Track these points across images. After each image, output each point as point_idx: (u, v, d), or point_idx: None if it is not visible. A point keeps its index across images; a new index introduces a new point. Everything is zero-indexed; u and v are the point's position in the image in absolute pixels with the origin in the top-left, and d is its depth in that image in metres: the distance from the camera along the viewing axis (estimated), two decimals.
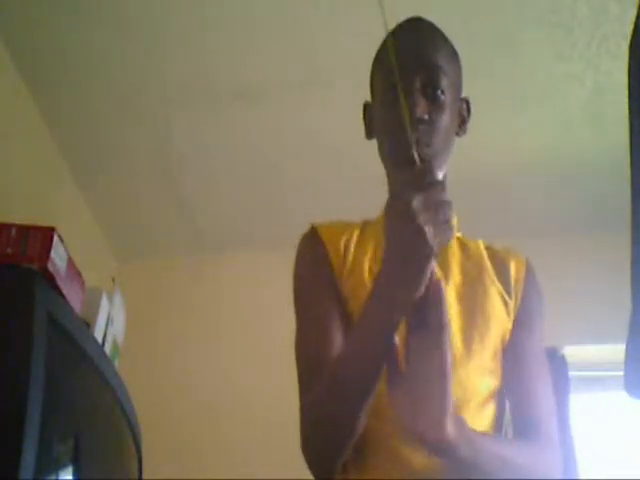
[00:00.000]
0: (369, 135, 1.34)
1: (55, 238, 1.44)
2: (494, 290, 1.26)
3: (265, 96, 2.44)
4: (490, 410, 1.19)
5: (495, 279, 1.27)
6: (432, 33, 1.30)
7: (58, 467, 1.40)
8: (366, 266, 1.22)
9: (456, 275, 1.25)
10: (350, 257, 1.24)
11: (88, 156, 2.70)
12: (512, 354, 1.24)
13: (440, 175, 1.23)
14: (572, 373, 2.80)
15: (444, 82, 1.23)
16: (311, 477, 1.17)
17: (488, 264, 1.30)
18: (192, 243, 3.18)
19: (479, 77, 2.34)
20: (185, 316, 3.10)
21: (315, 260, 1.26)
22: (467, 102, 1.33)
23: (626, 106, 0.90)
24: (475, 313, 1.22)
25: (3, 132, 2.20)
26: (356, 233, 1.28)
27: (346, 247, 1.25)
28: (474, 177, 2.72)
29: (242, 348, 3.01)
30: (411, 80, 1.21)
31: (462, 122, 1.32)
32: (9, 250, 1.40)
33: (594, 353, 2.89)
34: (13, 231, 1.42)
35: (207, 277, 3.18)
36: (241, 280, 3.17)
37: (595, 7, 2.10)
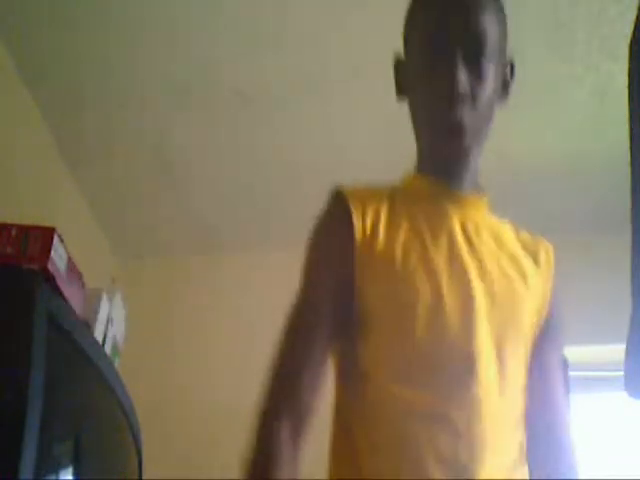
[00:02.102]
0: (400, 94, 1.23)
1: (55, 238, 1.44)
2: (527, 289, 1.16)
3: (265, 96, 2.44)
4: (520, 436, 1.11)
5: (528, 274, 1.18)
6: None
7: (58, 467, 1.40)
8: (398, 253, 1.10)
9: (489, 268, 1.14)
10: (379, 241, 1.11)
11: (88, 156, 2.70)
12: (538, 366, 1.16)
13: (477, 150, 1.17)
14: (572, 373, 2.79)
15: (489, 50, 1.14)
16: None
17: (521, 255, 1.21)
18: (192, 243, 3.18)
19: None
20: (185, 316, 3.10)
21: (335, 241, 1.14)
22: (512, 65, 1.25)
23: (626, 107, 0.90)
24: (509, 319, 1.12)
25: (3, 132, 2.20)
26: (385, 207, 1.15)
27: (374, 228, 1.12)
28: None
29: (242, 348, 3.01)
30: (454, 49, 1.11)
31: (505, 86, 1.24)
32: (9, 250, 1.39)
33: (594, 353, 2.89)
34: (13, 231, 1.42)
35: (207, 277, 3.18)
36: (241, 280, 3.17)
37: (595, 8, 2.10)
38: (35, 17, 2.17)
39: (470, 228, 1.17)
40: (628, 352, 0.89)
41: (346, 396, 1.13)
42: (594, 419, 2.85)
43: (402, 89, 1.23)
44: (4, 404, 1.19)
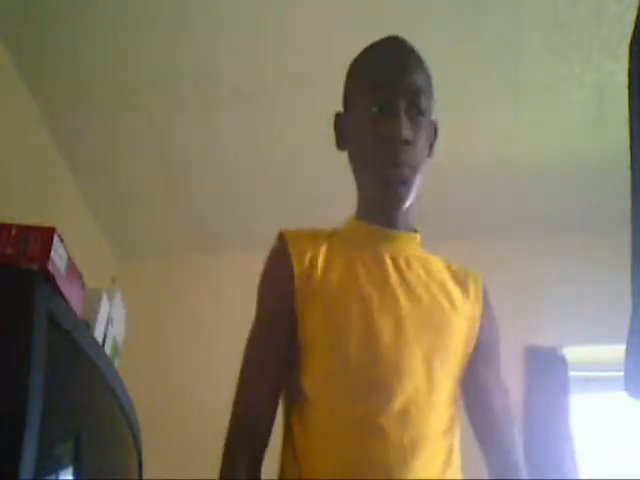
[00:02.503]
0: (341, 145, 1.37)
1: (55, 238, 1.43)
2: (455, 313, 1.28)
3: (265, 96, 2.44)
4: (449, 440, 1.22)
5: (456, 299, 1.29)
6: (413, 55, 1.32)
7: (58, 467, 1.40)
8: (333, 284, 1.24)
9: (418, 293, 1.26)
10: (316, 274, 1.25)
11: (88, 156, 2.70)
12: (474, 387, 1.29)
13: (411, 198, 1.28)
14: (572, 373, 2.80)
15: (425, 104, 1.27)
16: None
17: (450, 284, 1.31)
18: (192, 243, 3.18)
19: (479, 77, 2.34)
20: (185, 316, 3.10)
21: (277, 275, 1.29)
22: (435, 125, 1.36)
23: (626, 106, 0.90)
24: (437, 337, 1.24)
25: (3, 132, 2.20)
26: (323, 247, 1.29)
27: (312, 263, 1.26)
28: (473, 178, 2.73)
29: (242, 348, 3.01)
30: (396, 100, 1.25)
31: (431, 144, 1.34)
32: (9, 250, 1.39)
33: (594, 353, 2.89)
34: (13, 231, 1.41)
35: (207, 277, 3.18)
36: (241, 280, 3.16)
37: (595, 8, 2.10)
38: (35, 17, 2.17)
39: (401, 261, 1.29)
40: (628, 352, 0.89)
41: (289, 413, 1.26)
42: (594, 419, 2.85)
43: (342, 141, 1.36)
44: (4, 404, 1.19)
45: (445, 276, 1.32)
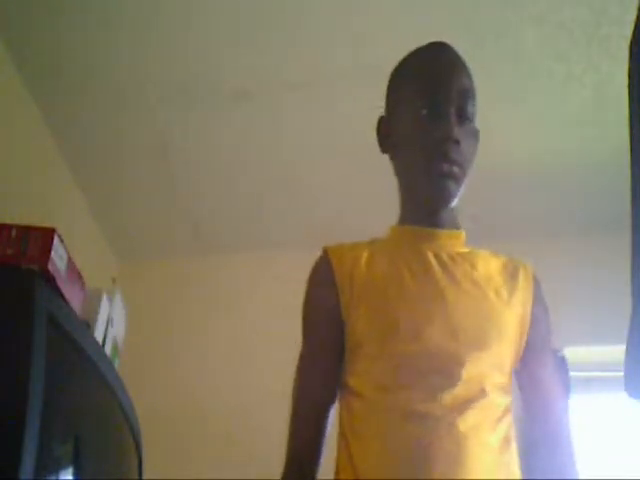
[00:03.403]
0: (385, 148, 1.40)
1: (55, 238, 1.44)
2: (505, 304, 1.28)
3: (265, 96, 2.44)
4: (503, 429, 1.22)
5: (505, 291, 1.30)
6: (460, 60, 1.37)
7: (58, 468, 1.40)
8: (378, 285, 1.26)
9: (465, 287, 1.27)
10: (359, 277, 1.27)
11: (88, 156, 2.70)
12: (527, 378, 1.31)
13: (457, 197, 1.32)
14: (572, 374, 2.80)
15: (471, 109, 1.33)
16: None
17: (499, 276, 1.32)
18: (192, 244, 3.18)
19: (479, 77, 2.33)
20: (185, 316, 3.10)
21: (321, 286, 1.31)
22: (477, 133, 1.38)
23: (626, 107, 0.90)
24: (488, 329, 1.24)
25: (3, 132, 2.20)
26: (365, 253, 1.31)
27: (353, 268, 1.28)
28: (472, 178, 2.72)
29: (242, 348, 3.01)
30: (448, 103, 1.29)
31: (473, 153, 1.37)
32: (9, 251, 1.39)
33: (594, 354, 2.89)
34: (13, 231, 1.42)
35: (207, 277, 3.18)
36: (241, 281, 3.17)
37: (595, 8, 2.10)
38: (35, 17, 2.17)
39: (445, 257, 1.30)
40: (628, 352, 0.89)
41: (343, 414, 1.27)
42: (594, 420, 2.85)
43: (386, 145, 1.40)
44: (4, 404, 1.19)
45: (493, 268, 1.33)
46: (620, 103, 1.05)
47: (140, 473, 1.99)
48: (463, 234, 1.36)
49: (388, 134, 1.39)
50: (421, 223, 1.33)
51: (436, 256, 1.30)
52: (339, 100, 2.41)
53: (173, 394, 2.92)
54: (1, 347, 1.23)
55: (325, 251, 1.34)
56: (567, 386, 2.75)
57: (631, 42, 0.90)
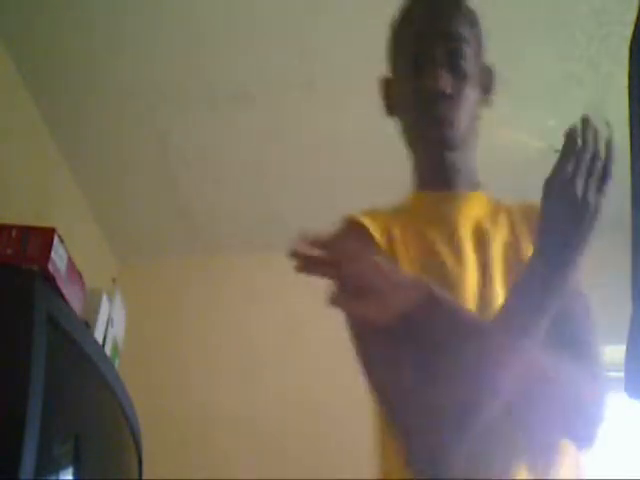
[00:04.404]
0: (389, 112, 1.28)
1: (55, 239, 1.44)
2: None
3: (265, 96, 2.44)
4: None
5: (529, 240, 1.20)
6: (453, 2, 1.24)
7: (58, 467, 1.40)
8: (411, 257, 1.16)
9: (492, 245, 1.19)
10: (394, 247, 1.17)
11: (88, 156, 2.70)
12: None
13: (465, 155, 1.21)
14: None
15: (467, 51, 1.18)
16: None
17: (519, 225, 1.25)
18: (192, 244, 3.18)
19: None
20: (185, 316, 3.10)
21: (358, 240, 1.18)
22: (491, 71, 1.28)
23: (626, 107, 0.90)
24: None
25: (3, 132, 2.20)
26: (391, 221, 1.21)
27: (387, 236, 1.18)
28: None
29: (242, 348, 3.01)
30: (432, 50, 1.17)
31: (485, 92, 1.26)
32: (9, 251, 1.40)
33: None
34: (13, 232, 1.42)
35: (207, 278, 3.18)
36: (240, 281, 3.17)
37: (595, 8, 2.10)
38: (35, 17, 2.17)
39: (468, 220, 1.21)
40: (628, 352, 0.89)
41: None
42: None
43: (389, 107, 1.28)
44: (4, 404, 1.19)
45: (516, 219, 1.25)
46: (620, 103, 1.05)
47: (140, 473, 1.99)
48: (483, 194, 1.27)
49: (389, 97, 1.28)
50: (435, 187, 1.22)
51: (462, 220, 1.20)
52: (340, 100, 2.40)
53: (173, 394, 2.92)
54: (1, 347, 1.23)
55: (353, 218, 1.20)
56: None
57: (631, 42, 0.90)
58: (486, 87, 1.27)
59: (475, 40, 1.23)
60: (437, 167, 1.22)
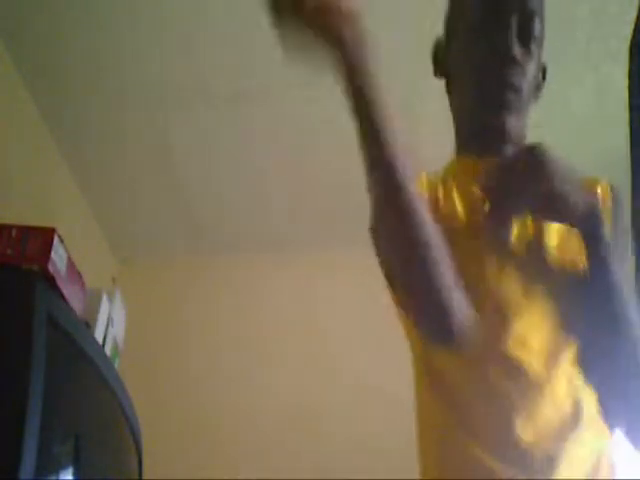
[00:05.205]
0: (440, 74, 1.26)
1: (55, 239, 1.44)
2: None
3: (265, 96, 2.44)
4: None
5: None
6: None
7: (58, 467, 1.40)
8: (456, 223, 1.12)
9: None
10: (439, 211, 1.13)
11: (88, 156, 2.70)
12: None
13: (516, 128, 1.18)
14: None
15: (538, 31, 1.21)
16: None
17: None
18: (192, 244, 3.18)
19: None
20: (185, 316, 3.10)
21: None
22: (544, 68, 1.27)
23: (626, 107, 0.90)
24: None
25: (3, 132, 2.20)
26: (435, 185, 1.18)
27: (433, 200, 1.14)
28: None
29: (241, 348, 3.01)
30: (508, 20, 1.16)
31: (537, 87, 1.26)
32: (9, 251, 1.40)
33: None
34: (13, 232, 1.42)
35: (207, 277, 3.18)
36: (240, 280, 3.17)
37: (595, 8, 2.10)
38: (35, 16, 2.17)
39: None
40: None
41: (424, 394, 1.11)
42: None
43: (442, 70, 1.25)
44: (4, 404, 1.19)
45: None
46: (620, 103, 1.05)
47: (140, 473, 1.99)
48: None
49: (442, 59, 1.25)
50: (480, 150, 1.18)
51: None
52: (340, 100, 2.40)
53: (173, 394, 2.92)
54: (1, 347, 1.23)
55: None
56: None
57: (631, 42, 0.90)
58: (538, 82, 1.28)
59: (542, 25, 1.25)
60: (491, 131, 1.18)
